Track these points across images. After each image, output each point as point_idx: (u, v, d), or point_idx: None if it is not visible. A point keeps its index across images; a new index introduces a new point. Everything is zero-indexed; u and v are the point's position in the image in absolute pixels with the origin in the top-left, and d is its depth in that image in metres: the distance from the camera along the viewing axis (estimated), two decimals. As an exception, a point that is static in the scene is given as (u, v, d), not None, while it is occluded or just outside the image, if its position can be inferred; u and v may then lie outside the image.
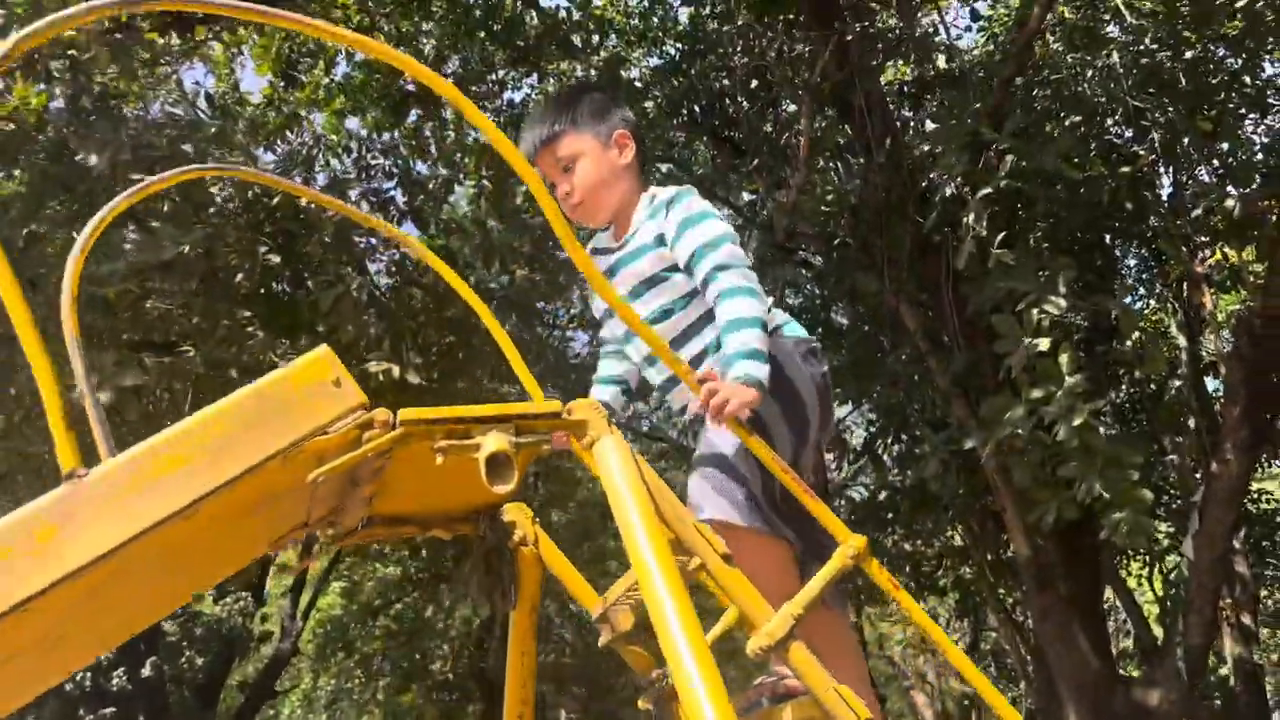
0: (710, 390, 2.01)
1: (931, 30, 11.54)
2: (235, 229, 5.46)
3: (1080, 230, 9.73)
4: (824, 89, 10.13)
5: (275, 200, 6.00)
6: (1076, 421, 7.41)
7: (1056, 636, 8.82)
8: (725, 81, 12.11)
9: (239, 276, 5.78)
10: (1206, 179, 9.55)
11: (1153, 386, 12.12)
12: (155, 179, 1.97)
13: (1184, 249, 9.43)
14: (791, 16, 11.02)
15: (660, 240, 2.39)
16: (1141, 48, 9.92)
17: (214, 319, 5.45)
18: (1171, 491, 11.65)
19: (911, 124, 10.25)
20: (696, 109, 11.93)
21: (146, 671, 13.65)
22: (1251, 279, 8.89)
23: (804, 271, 10.69)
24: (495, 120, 13.62)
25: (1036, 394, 7.63)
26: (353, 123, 12.41)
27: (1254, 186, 8.71)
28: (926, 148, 9.02)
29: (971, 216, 8.26)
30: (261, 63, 10.33)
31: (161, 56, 7.56)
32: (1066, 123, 9.49)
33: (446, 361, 6.87)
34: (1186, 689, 8.37)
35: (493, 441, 1.61)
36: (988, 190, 8.12)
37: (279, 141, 8.29)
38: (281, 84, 10.89)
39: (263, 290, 6.14)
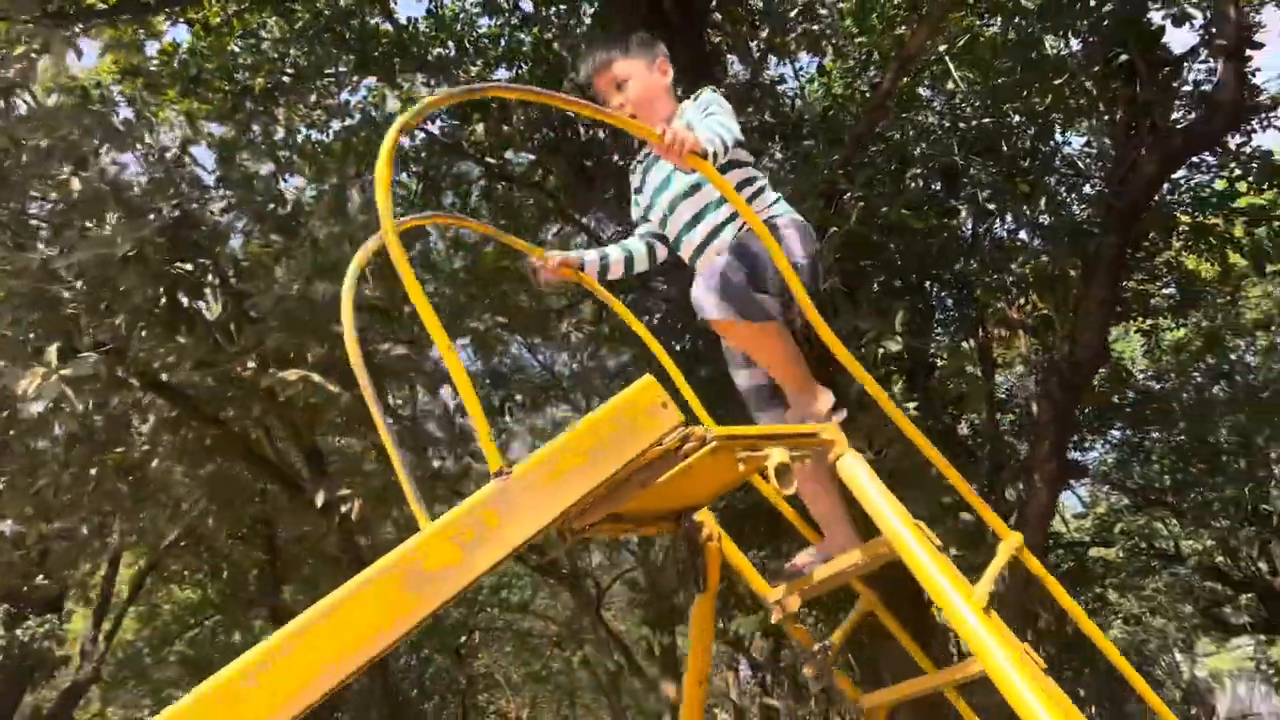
0: (667, 129, 2.31)
1: (778, 80, 12.35)
2: (155, 236, 5.39)
3: (905, 276, 10.70)
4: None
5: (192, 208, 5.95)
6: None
7: (896, 655, 9.58)
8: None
9: (148, 289, 5.68)
10: (1024, 236, 10.68)
11: (948, 420, 13.32)
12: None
13: (1002, 297, 10.49)
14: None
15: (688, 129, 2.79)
16: (963, 111, 11.02)
17: (135, 320, 5.34)
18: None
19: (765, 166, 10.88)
20: (552, 133, 12.20)
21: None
22: (1060, 327, 10.03)
23: (664, 303, 11.15)
24: (331, 117, 13.49)
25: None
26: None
27: (1062, 245, 9.85)
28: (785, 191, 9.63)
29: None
30: (114, 53, 10.00)
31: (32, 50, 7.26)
32: (907, 176, 10.35)
33: (346, 372, 6.92)
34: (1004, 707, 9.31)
35: (778, 454, 1.98)
36: (835, 230, 8.86)
37: (139, 143, 8.07)
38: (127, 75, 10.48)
39: (167, 299, 6.05)
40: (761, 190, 2.82)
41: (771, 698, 19.99)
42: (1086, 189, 10.82)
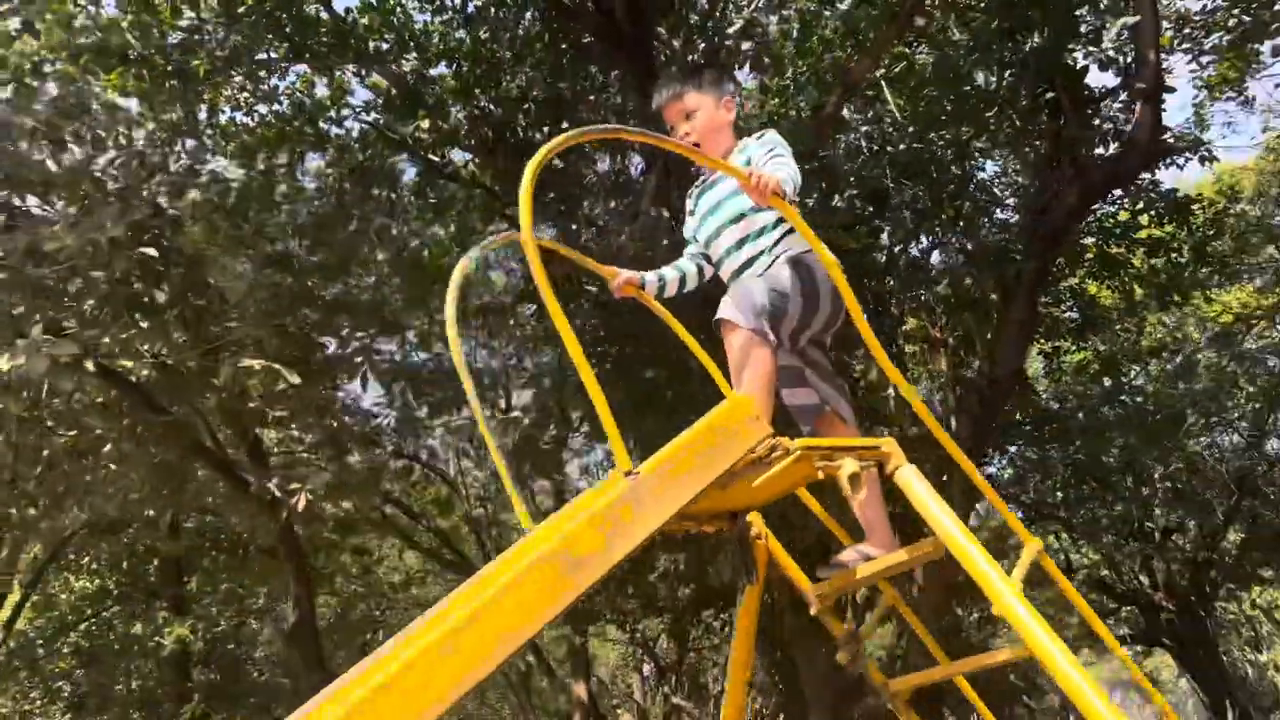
0: (754, 172, 2.67)
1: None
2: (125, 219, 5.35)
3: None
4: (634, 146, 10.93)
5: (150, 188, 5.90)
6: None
7: (807, 653, 9.92)
8: (523, 112, 12.57)
9: (115, 270, 5.63)
10: (944, 257, 11.11)
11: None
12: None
13: (924, 316, 10.91)
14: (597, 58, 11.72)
15: (746, 163, 3.06)
16: (892, 136, 11.43)
17: (104, 305, 5.28)
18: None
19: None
20: (489, 132, 12.24)
21: None
22: (980, 347, 10.51)
23: (585, 303, 11.22)
24: (257, 101, 13.32)
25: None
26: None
27: (986, 268, 10.30)
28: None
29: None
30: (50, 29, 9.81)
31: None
32: (839, 197, 10.67)
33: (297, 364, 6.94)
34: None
35: (850, 464, 2.20)
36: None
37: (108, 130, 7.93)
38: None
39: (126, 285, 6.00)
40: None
41: (676, 698, 20.32)
42: (999, 214, 11.31)
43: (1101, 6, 9.16)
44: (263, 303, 6.03)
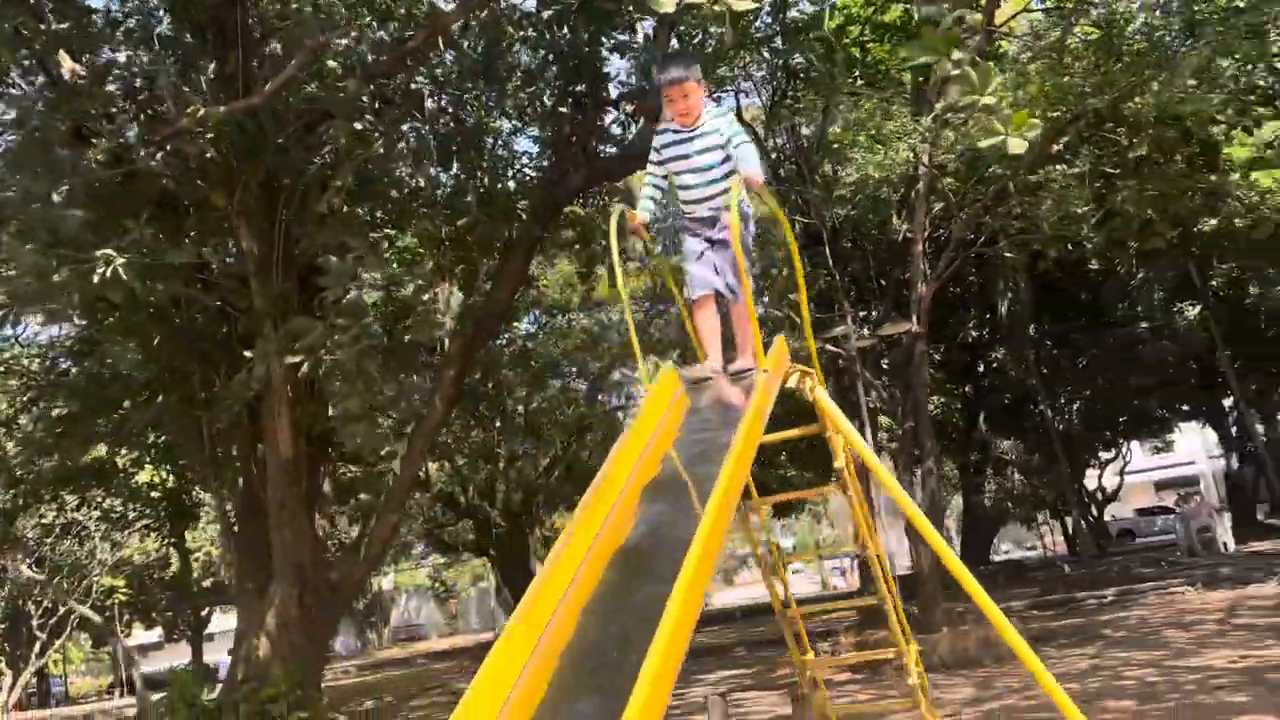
0: (757, 182, 3.93)
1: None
2: None
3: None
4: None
5: None
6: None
7: (288, 524, 10.72)
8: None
9: None
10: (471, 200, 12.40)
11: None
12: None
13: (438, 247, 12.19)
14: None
15: (719, 133, 4.16)
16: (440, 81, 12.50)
17: None
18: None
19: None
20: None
21: None
22: (483, 280, 12.06)
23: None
24: None
25: (339, 322, 9.64)
26: None
27: (498, 219, 11.87)
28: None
29: (337, 184, 10.03)
30: None
31: None
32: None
33: None
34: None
35: (810, 381, 3.72)
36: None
37: None
38: None
39: None
40: None
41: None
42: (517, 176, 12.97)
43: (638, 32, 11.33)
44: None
